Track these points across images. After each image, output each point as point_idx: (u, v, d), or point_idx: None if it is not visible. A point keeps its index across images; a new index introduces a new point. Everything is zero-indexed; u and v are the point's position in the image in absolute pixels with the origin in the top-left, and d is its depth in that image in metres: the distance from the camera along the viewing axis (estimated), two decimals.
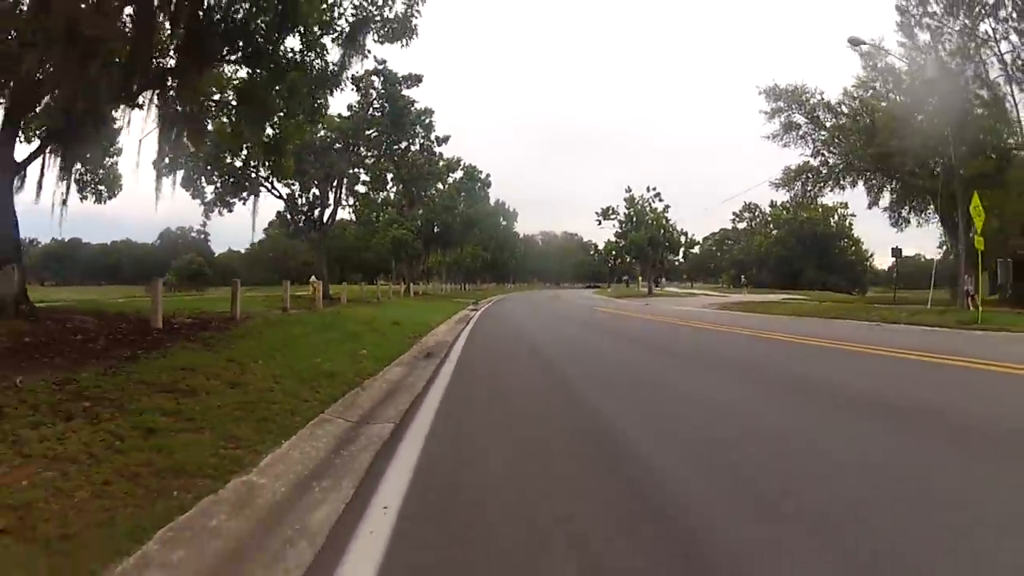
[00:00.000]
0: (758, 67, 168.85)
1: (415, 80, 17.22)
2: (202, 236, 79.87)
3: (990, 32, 21.32)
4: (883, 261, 76.51)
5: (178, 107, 6.32)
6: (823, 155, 20.82)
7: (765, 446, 3.15)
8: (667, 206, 46.58)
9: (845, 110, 20.45)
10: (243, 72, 6.72)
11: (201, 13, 5.84)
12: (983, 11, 20.63)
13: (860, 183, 21.63)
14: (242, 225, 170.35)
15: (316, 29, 6.47)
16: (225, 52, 6.17)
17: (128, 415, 3.18)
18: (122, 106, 6.82)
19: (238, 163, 15.66)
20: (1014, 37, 21.12)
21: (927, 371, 6.03)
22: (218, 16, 5.83)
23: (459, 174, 36.91)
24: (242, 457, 2.75)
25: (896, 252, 23.91)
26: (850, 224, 68.10)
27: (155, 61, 6.31)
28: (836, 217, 68.82)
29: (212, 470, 2.53)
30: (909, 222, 25.71)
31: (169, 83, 6.21)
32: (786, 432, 3.50)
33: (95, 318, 7.41)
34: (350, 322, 9.87)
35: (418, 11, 8.35)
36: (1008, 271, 20.10)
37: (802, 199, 22.99)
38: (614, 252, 50.77)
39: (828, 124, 20.30)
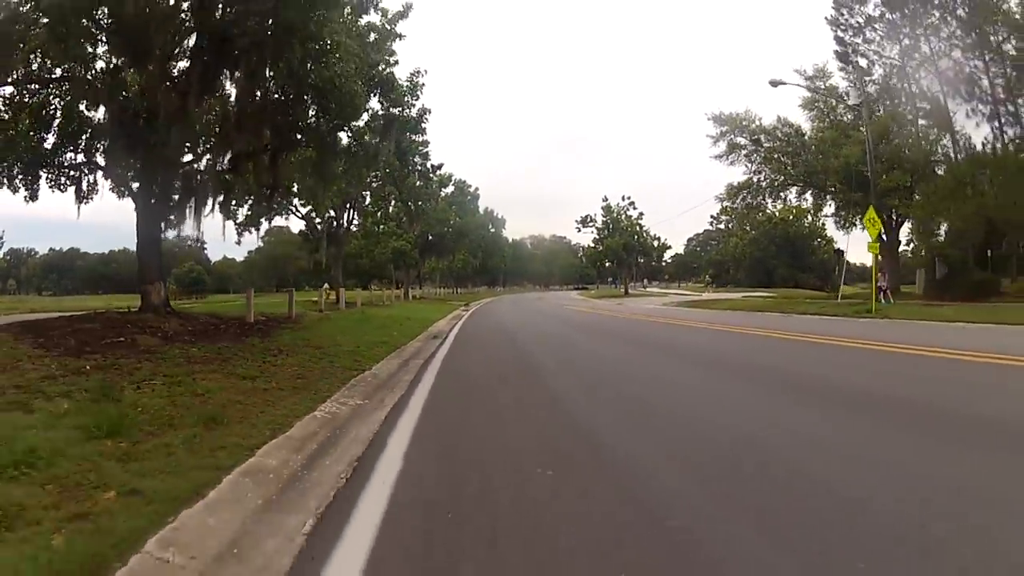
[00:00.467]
0: (754, 65, 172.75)
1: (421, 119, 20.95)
2: (199, 244, 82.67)
3: (930, 51, 24.62)
4: (859, 258, 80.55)
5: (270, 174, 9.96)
6: (763, 172, 24.73)
7: (620, 370, 6.76)
8: (641, 213, 50.85)
9: (779, 133, 24.31)
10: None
11: (288, 120, 9.42)
12: (925, 32, 23.93)
13: (807, 195, 25.55)
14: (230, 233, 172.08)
15: (360, 126, 10.08)
16: (303, 142, 9.77)
17: (290, 356, 6.77)
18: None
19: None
20: (957, 52, 24.36)
21: (788, 344, 8.24)
22: (301, 123, 9.41)
23: (450, 188, 40.71)
24: (363, 364, 6.33)
25: (839, 253, 27.73)
26: (823, 224, 72.12)
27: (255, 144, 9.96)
28: (809, 218, 72.85)
29: (352, 370, 6.10)
30: (855, 225, 29.44)
31: (266, 160, 9.81)
32: (638, 369, 7.10)
33: (210, 317, 10.97)
34: (375, 318, 13.47)
35: (427, 118, 12.22)
36: (933, 270, 23.02)
37: (745, 213, 26.91)
38: (593, 257, 54.83)
39: (765, 145, 24.20)
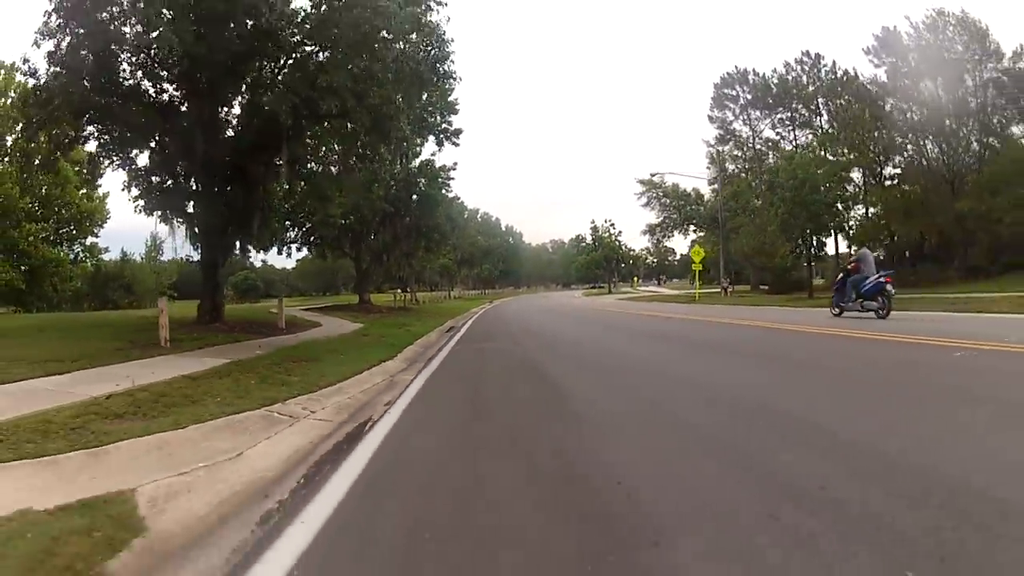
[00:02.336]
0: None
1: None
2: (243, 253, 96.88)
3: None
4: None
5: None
6: (668, 214, 39.35)
7: (543, 319, 22.14)
8: (619, 231, 66.12)
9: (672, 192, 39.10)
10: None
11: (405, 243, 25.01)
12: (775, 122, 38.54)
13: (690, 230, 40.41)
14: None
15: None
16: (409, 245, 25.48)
17: (421, 316, 22.44)
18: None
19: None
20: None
21: (636, 316, 24.24)
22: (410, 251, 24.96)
23: (478, 218, 56.45)
24: (456, 318, 21.82)
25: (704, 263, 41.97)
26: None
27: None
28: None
29: (449, 316, 21.52)
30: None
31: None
32: (553, 319, 22.46)
33: (260, 323, 26.72)
34: (443, 309, 29.11)
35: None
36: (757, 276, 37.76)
37: (659, 242, 41.77)
38: (584, 266, 70.41)
39: (664, 200, 38.93)
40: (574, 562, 1.96)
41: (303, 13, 10.91)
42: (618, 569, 1.90)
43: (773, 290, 33.96)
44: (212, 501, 2.65)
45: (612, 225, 63.48)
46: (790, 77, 35.04)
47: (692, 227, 39.45)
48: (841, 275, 13.13)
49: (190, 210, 14.25)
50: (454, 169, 26.28)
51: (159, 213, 14.63)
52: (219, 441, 3.61)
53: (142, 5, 10.07)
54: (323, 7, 10.59)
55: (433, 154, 26.88)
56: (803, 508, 2.28)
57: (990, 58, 31.70)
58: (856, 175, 31.13)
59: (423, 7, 12.36)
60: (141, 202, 14.85)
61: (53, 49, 11.63)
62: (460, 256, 51.13)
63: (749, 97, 35.96)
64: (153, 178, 14.46)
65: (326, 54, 10.99)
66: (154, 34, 10.13)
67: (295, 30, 11.13)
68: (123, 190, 15.04)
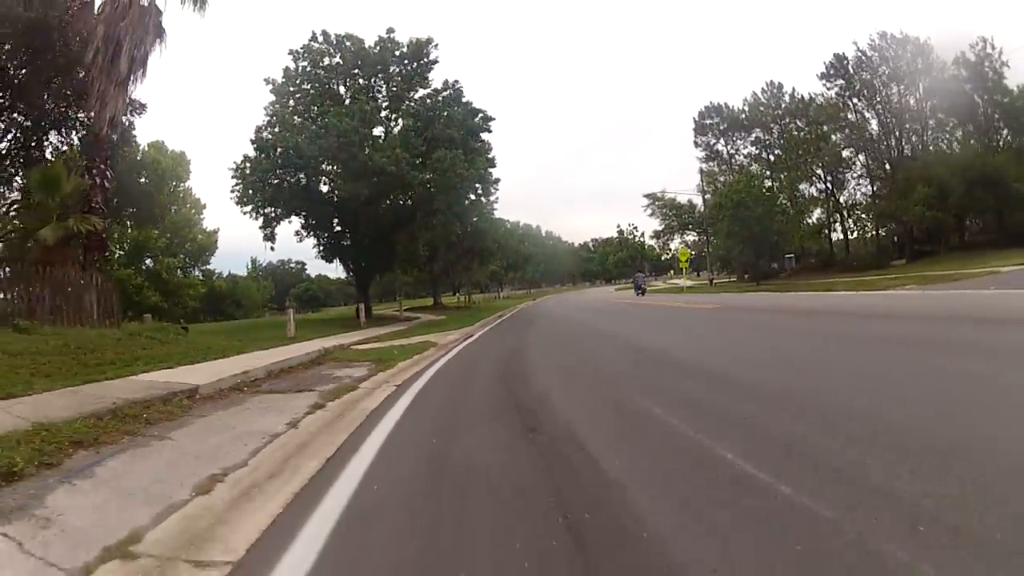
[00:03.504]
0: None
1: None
2: (300, 266, 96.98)
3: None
4: None
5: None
6: (668, 220, 48.84)
7: (559, 312, 32.76)
8: (643, 233, 75.68)
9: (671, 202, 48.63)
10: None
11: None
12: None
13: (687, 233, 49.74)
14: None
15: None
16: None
17: (478, 311, 33.46)
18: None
19: None
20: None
21: (628, 305, 34.57)
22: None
23: (519, 229, 67.25)
24: (503, 311, 32.72)
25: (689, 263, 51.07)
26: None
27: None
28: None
29: (501, 311, 32.42)
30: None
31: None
32: (567, 306, 33.05)
33: (388, 317, 37.95)
34: (494, 306, 40.08)
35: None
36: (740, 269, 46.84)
37: (664, 244, 51.09)
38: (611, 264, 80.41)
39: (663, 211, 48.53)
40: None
41: (425, 178, 22.13)
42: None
43: (751, 279, 42.97)
44: (455, 339, 13.49)
45: (635, 228, 73.41)
46: (760, 106, 43.84)
47: (689, 231, 48.74)
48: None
49: (350, 255, 25.96)
50: (496, 202, 37.16)
51: (335, 258, 26.32)
52: (455, 334, 14.46)
53: (334, 168, 21.57)
54: (431, 173, 21.77)
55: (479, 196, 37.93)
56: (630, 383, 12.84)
57: (929, 71, 39.47)
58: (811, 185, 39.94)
59: (480, 143, 23.41)
60: (320, 249, 26.79)
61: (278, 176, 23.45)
62: (506, 263, 62.23)
63: (724, 126, 45.01)
64: (329, 240, 26.22)
65: (432, 189, 22.16)
66: (337, 191, 21.62)
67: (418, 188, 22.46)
68: (299, 241, 26.93)
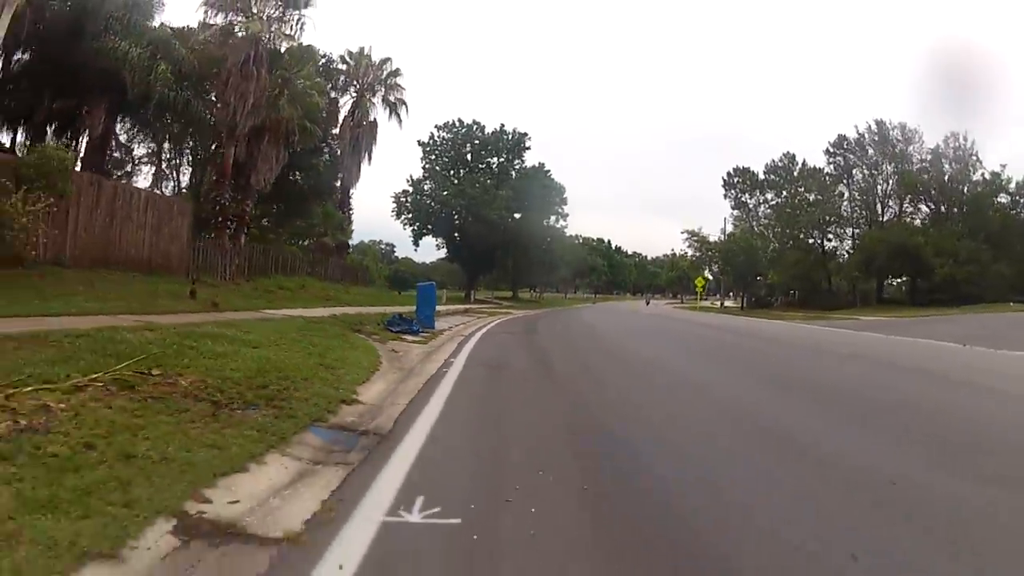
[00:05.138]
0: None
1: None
2: (391, 247, 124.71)
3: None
4: None
5: None
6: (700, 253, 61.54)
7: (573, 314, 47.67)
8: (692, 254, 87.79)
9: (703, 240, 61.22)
10: None
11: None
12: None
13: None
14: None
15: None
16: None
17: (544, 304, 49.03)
18: None
19: None
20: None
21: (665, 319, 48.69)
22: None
23: (592, 242, 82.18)
24: (563, 301, 48.07)
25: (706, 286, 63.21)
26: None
27: None
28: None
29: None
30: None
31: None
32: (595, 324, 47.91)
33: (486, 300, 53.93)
34: (561, 302, 55.60)
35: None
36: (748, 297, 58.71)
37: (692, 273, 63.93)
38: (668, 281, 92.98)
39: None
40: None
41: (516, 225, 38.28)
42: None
43: (753, 305, 55.42)
44: (527, 313, 29.25)
45: (685, 252, 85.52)
46: (774, 173, 55.93)
47: (715, 263, 61.18)
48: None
49: (467, 261, 42.62)
50: (567, 226, 52.79)
51: (456, 262, 43.22)
52: (528, 311, 30.26)
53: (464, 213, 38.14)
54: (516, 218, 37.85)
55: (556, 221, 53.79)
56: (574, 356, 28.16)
57: (888, 159, 49.81)
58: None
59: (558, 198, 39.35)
60: (444, 251, 43.80)
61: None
62: (573, 271, 77.51)
63: (748, 184, 57.18)
64: (453, 250, 43.09)
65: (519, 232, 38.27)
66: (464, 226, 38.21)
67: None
68: (437, 248, 44.05)
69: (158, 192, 16.44)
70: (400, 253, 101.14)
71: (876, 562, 2.12)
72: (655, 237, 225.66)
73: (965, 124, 46.25)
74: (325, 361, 5.79)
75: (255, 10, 16.60)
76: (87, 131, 15.27)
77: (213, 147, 18.39)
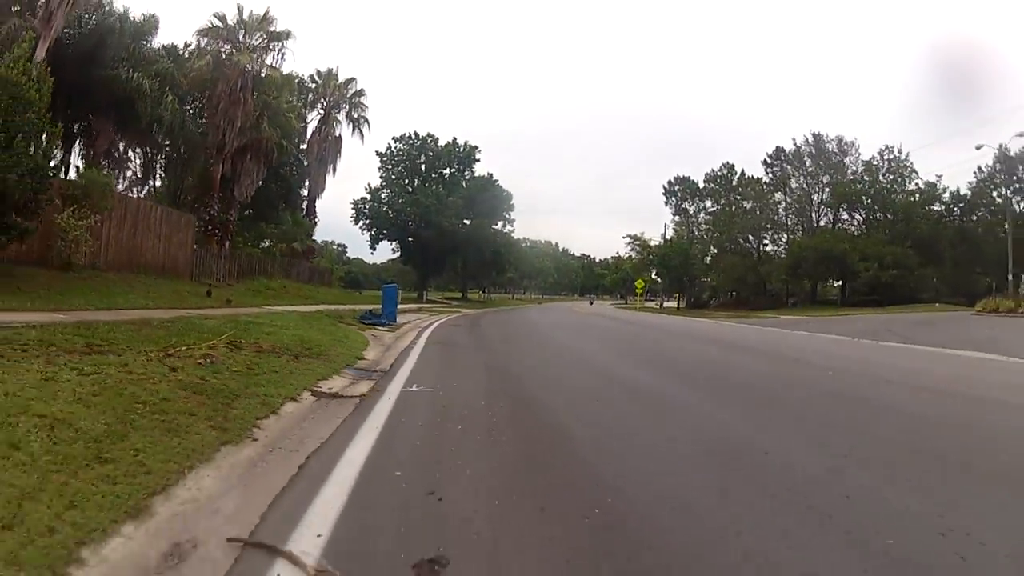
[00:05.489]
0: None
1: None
2: (343, 248, 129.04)
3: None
4: None
5: None
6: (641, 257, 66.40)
7: (505, 319, 51.19)
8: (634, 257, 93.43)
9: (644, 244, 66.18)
10: None
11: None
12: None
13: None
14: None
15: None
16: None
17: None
18: None
19: None
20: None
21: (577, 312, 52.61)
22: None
23: (538, 245, 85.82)
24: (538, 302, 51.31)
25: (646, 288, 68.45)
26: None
27: None
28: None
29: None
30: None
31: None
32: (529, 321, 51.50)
33: (437, 301, 56.90)
34: (507, 303, 58.73)
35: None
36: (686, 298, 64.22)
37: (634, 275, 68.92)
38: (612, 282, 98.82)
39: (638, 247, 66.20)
40: None
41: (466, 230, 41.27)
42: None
43: (690, 304, 60.34)
44: (474, 311, 32.35)
45: (628, 256, 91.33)
46: (712, 182, 61.26)
47: (652, 266, 66.25)
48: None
49: (418, 263, 45.23)
50: (514, 231, 55.95)
51: (408, 263, 45.79)
52: (474, 310, 33.31)
53: (416, 219, 40.84)
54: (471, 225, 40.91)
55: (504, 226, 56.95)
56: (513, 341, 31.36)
57: (824, 170, 55.96)
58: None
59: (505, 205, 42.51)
60: (398, 255, 46.23)
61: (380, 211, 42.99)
62: (521, 273, 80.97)
63: (687, 192, 62.59)
64: (406, 252, 45.62)
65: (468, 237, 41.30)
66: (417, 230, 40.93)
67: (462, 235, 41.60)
68: (393, 252, 46.44)
69: (171, 208, 18.31)
70: (352, 254, 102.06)
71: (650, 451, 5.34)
72: (614, 240, 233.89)
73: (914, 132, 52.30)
74: (335, 338, 8.68)
75: (243, 40, 18.94)
76: (93, 144, 17.21)
77: (202, 160, 20.35)
